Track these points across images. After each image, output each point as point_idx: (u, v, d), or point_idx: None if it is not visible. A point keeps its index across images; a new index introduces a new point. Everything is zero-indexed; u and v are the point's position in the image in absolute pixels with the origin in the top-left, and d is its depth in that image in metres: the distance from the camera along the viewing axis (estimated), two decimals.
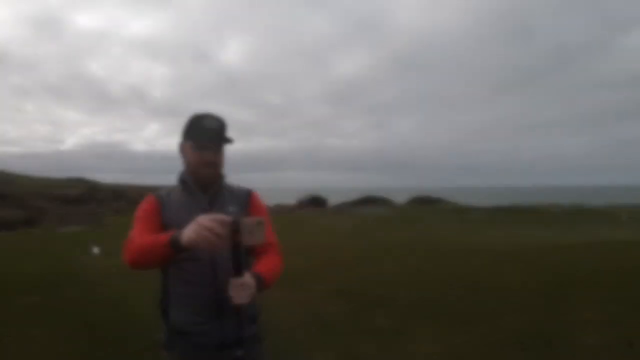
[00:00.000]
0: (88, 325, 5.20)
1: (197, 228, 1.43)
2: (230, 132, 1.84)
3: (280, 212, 29.88)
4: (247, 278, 1.54)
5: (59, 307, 5.96)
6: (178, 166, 1.94)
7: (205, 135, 1.78)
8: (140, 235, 1.69)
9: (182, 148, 1.88)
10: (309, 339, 4.69)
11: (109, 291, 6.79)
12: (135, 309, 5.76)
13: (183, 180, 1.89)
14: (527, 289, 6.70)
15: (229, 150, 1.89)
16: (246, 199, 1.96)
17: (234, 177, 1.98)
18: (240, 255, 1.49)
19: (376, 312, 5.65)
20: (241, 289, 1.52)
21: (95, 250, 10.98)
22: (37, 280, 7.60)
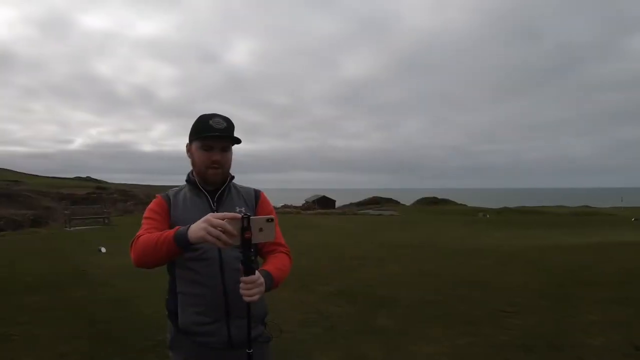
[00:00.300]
0: (92, 324, 5.23)
1: (205, 226, 1.43)
2: (236, 133, 1.85)
3: (287, 213, 29.88)
4: (257, 276, 1.54)
5: (64, 306, 6.00)
6: (185, 166, 1.94)
7: (211, 135, 1.78)
8: (146, 233, 1.69)
9: (190, 148, 1.89)
10: (313, 339, 4.71)
11: (115, 291, 6.83)
12: (141, 308, 5.80)
13: (191, 181, 1.90)
14: (531, 290, 6.68)
15: (236, 150, 1.91)
16: (254, 199, 1.96)
17: (240, 177, 1.99)
18: (250, 253, 1.50)
19: (380, 312, 5.66)
20: (252, 286, 1.51)
21: (103, 250, 11.04)
22: (43, 279, 7.66)
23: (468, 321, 5.23)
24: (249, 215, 1.46)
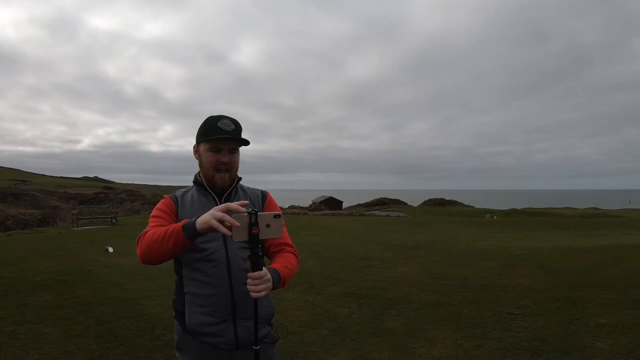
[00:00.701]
0: (99, 324, 5.25)
1: (212, 212, 1.50)
2: (244, 134, 1.85)
3: (294, 214, 29.88)
4: (265, 272, 1.55)
5: (71, 305, 6.03)
6: (192, 167, 1.96)
7: (219, 137, 1.78)
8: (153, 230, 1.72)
9: (197, 150, 1.89)
10: (320, 340, 4.70)
11: (122, 290, 6.85)
12: (148, 308, 5.82)
13: (198, 182, 1.91)
14: (538, 292, 6.63)
15: (242, 151, 1.91)
16: (260, 200, 1.97)
17: (246, 178, 1.99)
18: (258, 249, 1.50)
19: (387, 314, 5.64)
20: (259, 282, 1.52)
21: (110, 249, 11.09)
22: (51, 279, 7.71)
23: (475, 323, 5.21)
24: (257, 211, 1.46)
